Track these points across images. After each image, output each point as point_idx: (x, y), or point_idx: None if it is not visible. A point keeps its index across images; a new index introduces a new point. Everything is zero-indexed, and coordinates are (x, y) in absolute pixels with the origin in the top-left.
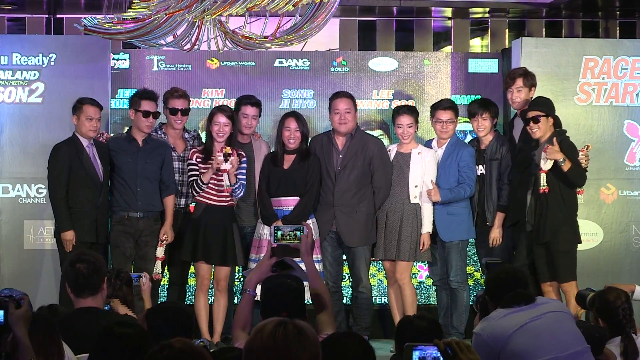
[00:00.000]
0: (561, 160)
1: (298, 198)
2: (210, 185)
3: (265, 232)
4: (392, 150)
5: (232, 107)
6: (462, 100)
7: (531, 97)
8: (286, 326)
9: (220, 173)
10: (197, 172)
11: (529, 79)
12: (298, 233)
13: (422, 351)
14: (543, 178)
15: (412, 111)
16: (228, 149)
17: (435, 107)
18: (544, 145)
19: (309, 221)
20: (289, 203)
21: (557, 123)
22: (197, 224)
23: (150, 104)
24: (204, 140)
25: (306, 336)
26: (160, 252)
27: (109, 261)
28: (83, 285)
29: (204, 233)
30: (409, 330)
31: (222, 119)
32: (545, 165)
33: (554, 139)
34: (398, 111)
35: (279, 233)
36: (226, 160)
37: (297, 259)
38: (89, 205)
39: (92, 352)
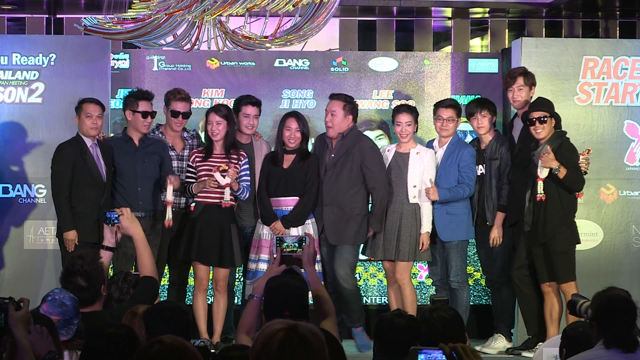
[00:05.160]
0: (556, 168)
1: (297, 198)
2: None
3: (264, 232)
4: (391, 150)
5: (231, 107)
6: (462, 100)
7: (531, 97)
8: (293, 338)
9: (221, 174)
10: (192, 178)
11: (529, 77)
12: (301, 243)
13: (427, 355)
14: (540, 186)
15: (412, 110)
16: (224, 166)
17: (438, 105)
18: (543, 147)
19: (308, 221)
20: (288, 203)
21: (558, 124)
22: (194, 223)
23: (147, 104)
24: (203, 140)
25: (312, 347)
26: (169, 192)
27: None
28: (80, 299)
29: (199, 233)
30: (388, 329)
31: (214, 117)
32: (542, 173)
33: (548, 146)
34: (397, 109)
35: (284, 244)
36: (224, 177)
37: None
38: (92, 206)
39: (82, 352)
